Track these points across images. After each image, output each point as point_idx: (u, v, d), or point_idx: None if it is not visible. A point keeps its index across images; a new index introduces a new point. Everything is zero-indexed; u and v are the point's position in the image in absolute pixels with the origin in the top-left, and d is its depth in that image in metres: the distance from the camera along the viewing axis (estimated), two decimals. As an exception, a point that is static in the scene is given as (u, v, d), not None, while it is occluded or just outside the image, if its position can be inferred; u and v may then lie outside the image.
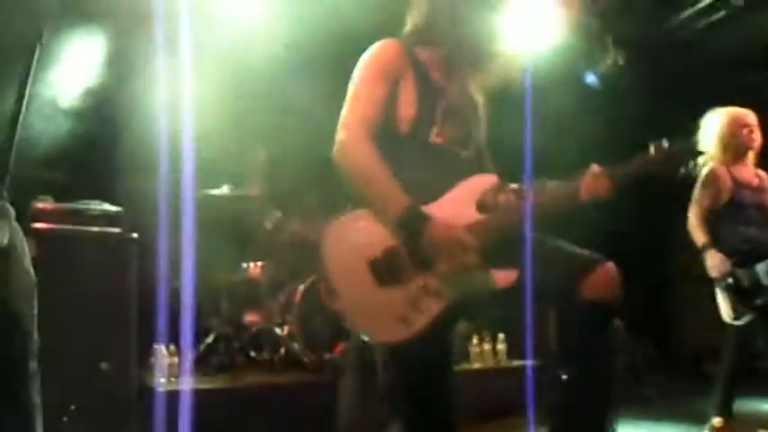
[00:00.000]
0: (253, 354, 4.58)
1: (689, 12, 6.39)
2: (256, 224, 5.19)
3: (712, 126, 3.72)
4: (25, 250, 1.38)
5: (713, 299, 6.82)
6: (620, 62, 6.37)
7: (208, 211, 4.86)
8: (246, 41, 5.26)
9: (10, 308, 1.29)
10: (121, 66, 5.02)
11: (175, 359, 4.12)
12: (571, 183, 1.83)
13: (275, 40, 5.46)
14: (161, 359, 4.04)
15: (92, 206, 3.80)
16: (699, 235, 3.72)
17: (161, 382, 3.90)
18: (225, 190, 4.72)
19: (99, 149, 5.09)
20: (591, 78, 6.59)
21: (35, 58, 1.34)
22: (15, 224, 1.37)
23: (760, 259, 3.50)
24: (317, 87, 6.58)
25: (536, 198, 1.81)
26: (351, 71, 2.01)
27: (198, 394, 3.77)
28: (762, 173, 3.82)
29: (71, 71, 4.74)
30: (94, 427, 3.39)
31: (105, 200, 3.88)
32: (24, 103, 1.35)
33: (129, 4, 4.52)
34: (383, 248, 1.74)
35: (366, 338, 1.75)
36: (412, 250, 1.74)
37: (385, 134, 1.90)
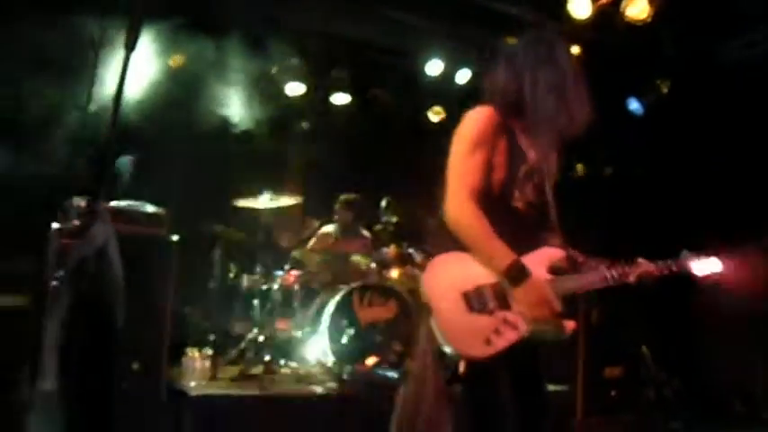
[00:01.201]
0: (283, 362, 4.57)
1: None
2: (293, 232, 5.22)
3: None
4: (117, 250, 1.41)
5: (746, 337, 6.73)
6: (665, 91, 6.31)
7: (246, 219, 4.92)
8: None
9: (105, 302, 1.32)
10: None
11: (207, 363, 4.14)
12: (622, 266, 2.28)
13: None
14: (193, 363, 4.06)
15: (135, 206, 3.84)
16: None
17: (191, 386, 3.90)
18: (265, 199, 4.70)
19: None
20: (634, 106, 6.53)
21: None
22: (109, 225, 1.40)
23: None
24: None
25: (593, 276, 2.28)
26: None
27: (227, 399, 3.78)
28: None
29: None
30: (122, 424, 3.40)
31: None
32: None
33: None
34: (475, 285, 2.13)
35: (451, 351, 2.08)
36: (498, 292, 2.12)
37: (481, 195, 2.20)
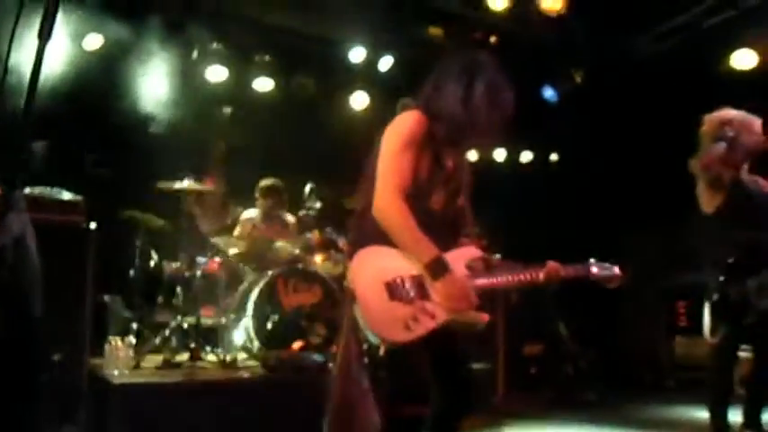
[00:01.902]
0: (208, 349, 4.56)
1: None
2: (215, 218, 5.18)
3: (720, 125, 3.55)
4: (33, 238, 1.40)
5: (654, 313, 7.15)
6: (578, 80, 6.59)
7: (167, 205, 4.85)
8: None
9: (23, 293, 1.31)
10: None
11: (130, 352, 4.09)
12: (534, 269, 2.40)
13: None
14: (115, 351, 4.00)
15: (51, 194, 3.74)
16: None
17: (115, 374, 3.85)
18: (186, 185, 4.65)
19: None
20: (549, 93, 6.79)
21: None
22: (25, 214, 1.39)
23: (752, 270, 3.41)
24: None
25: (506, 276, 2.41)
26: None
27: (152, 388, 3.76)
28: (757, 178, 3.67)
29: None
30: (44, 416, 3.33)
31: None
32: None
33: None
34: (397, 275, 2.26)
35: (374, 338, 2.21)
36: (419, 283, 2.25)
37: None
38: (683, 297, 6.72)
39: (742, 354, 3.61)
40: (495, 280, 2.40)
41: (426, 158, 2.38)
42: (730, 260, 3.44)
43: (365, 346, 2.31)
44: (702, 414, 3.57)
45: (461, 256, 2.38)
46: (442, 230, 2.39)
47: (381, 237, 2.29)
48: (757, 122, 3.57)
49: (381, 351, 2.21)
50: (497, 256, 2.62)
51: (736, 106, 3.67)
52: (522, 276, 2.41)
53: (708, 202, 3.58)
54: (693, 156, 3.64)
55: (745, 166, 3.62)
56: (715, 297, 3.42)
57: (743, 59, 5.94)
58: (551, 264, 2.41)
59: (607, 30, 6.71)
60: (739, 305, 3.39)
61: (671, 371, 6.79)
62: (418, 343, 2.19)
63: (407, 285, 2.23)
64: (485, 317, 2.32)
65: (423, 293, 2.24)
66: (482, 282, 2.36)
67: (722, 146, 3.48)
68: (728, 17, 6.03)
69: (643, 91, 6.59)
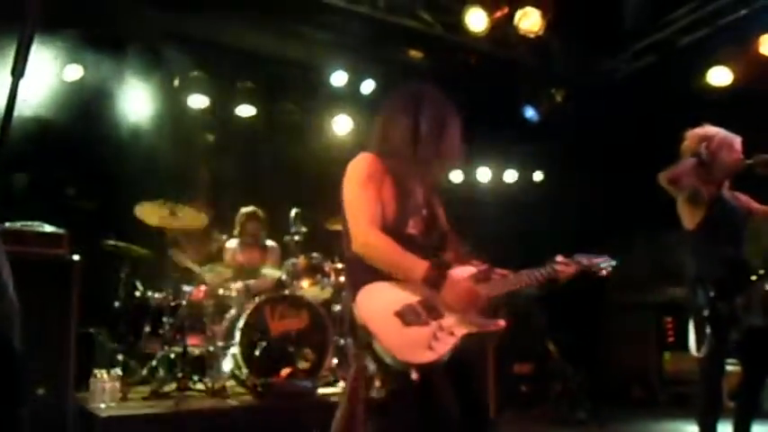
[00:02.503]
0: (196, 378, 4.51)
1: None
2: (200, 246, 5.16)
3: (701, 142, 3.56)
4: (10, 277, 1.38)
5: (641, 329, 7.17)
6: (559, 100, 6.67)
7: (151, 235, 4.82)
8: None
9: (0, 330, 1.29)
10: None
11: (117, 384, 4.03)
12: (537, 270, 2.44)
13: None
14: (101, 384, 3.94)
15: (33, 227, 3.71)
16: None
17: (101, 408, 3.79)
18: (170, 214, 4.63)
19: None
20: (530, 113, 6.87)
21: None
22: (1, 248, 1.37)
23: (738, 286, 3.44)
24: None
25: (511, 283, 2.44)
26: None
27: (140, 419, 3.71)
28: (738, 194, 3.71)
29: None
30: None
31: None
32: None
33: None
34: (404, 304, 2.26)
35: (402, 366, 2.17)
36: (427, 305, 2.26)
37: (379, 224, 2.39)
38: (671, 313, 6.76)
39: (730, 367, 3.62)
40: (500, 286, 2.40)
41: (390, 190, 2.42)
42: (719, 277, 3.46)
43: (389, 374, 2.23)
44: (692, 428, 3.57)
45: (461, 273, 2.38)
46: (426, 255, 2.38)
47: (373, 273, 2.30)
48: (737, 140, 3.62)
49: (414, 376, 2.15)
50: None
51: (713, 123, 3.73)
52: (530, 277, 2.42)
53: (689, 218, 3.62)
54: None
55: (726, 183, 3.67)
56: (705, 313, 3.42)
57: (718, 77, 6.05)
58: (561, 258, 2.47)
59: (585, 49, 6.83)
60: (728, 321, 3.42)
61: (660, 386, 6.81)
62: (444, 362, 2.19)
63: (418, 309, 2.25)
64: (501, 322, 2.32)
65: (435, 314, 2.26)
66: (487, 291, 2.35)
67: (691, 161, 3.52)
68: (703, 35, 6.15)
69: (622, 108, 6.69)
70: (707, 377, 3.52)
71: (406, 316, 2.23)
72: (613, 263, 2.61)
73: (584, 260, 2.55)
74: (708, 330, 3.42)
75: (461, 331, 2.24)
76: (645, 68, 6.77)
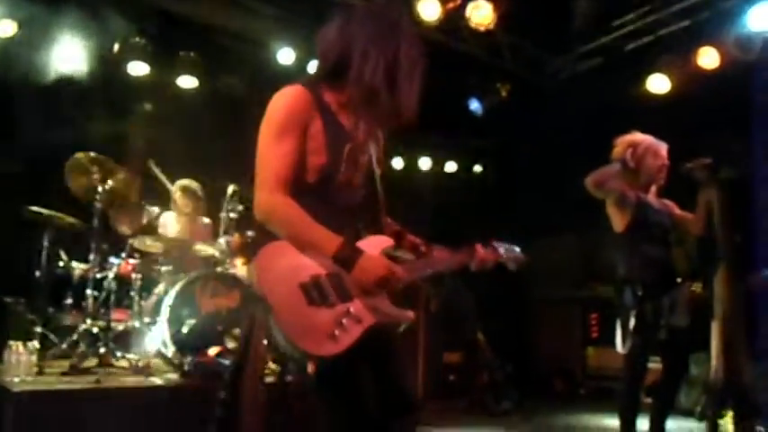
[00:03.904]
0: (119, 354, 4.36)
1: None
2: (130, 218, 4.97)
3: (633, 150, 3.68)
4: None
5: (567, 324, 7.37)
6: (504, 94, 6.74)
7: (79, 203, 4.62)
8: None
9: None
10: None
11: (33, 357, 3.85)
12: (459, 252, 2.31)
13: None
14: (16, 356, 3.76)
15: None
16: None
17: (15, 381, 3.61)
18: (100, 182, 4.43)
19: None
20: (475, 106, 6.92)
21: None
22: None
23: (664, 288, 3.56)
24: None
25: (430, 262, 2.27)
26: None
27: (58, 395, 3.55)
28: (664, 200, 3.84)
29: None
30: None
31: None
32: None
33: None
34: (311, 275, 1.95)
35: (299, 354, 1.91)
36: (336, 282, 1.97)
37: (295, 184, 2.04)
38: (596, 309, 6.98)
39: (651, 365, 3.75)
40: (417, 268, 2.20)
41: (319, 136, 2.04)
42: (646, 278, 3.58)
43: (286, 360, 2.11)
44: (612, 422, 3.69)
45: (373, 247, 2.08)
46: (350, 219, 2.13)
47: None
48: (663, 147, 3.79)
49: (310, 369, 1.93)
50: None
51: (649, 128, 3.85)
52: (454, 259, 2.29)
53: (617, 221, 3.74)
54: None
55: (654, 189, 3.81)
56: (633, 313, 3.53)
57: (657, 84, 6.23)
58: (479, 246, 2.35)
59: (533, 47, 6.92)
60: (654, 321, 3.55)
61: (583, 380, 7.03)
62: (351, 352, 1.90)
63: (325, 286, 1.94)
64: (410, 314, 2.06)
65: (344, 294, 1.96)
66: (407, 273, 2.09)
67: (615, 166, 3.64)
68: (646, 43, 6.33)
69: (563, 108, 6.83)
70: (630, 374, 3.64)
71: (312, 292, 1.92)
72: (522, 258, 2.55)
73: (500, 249, 2.45)
74: (632, 329, 3.54)
75: (370, 320, 1.96)
76: (588, 71, 6.92)
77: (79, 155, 4.43)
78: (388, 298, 2.04)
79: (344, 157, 2.09)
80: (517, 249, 2.54)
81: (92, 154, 4.45)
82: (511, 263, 2.49)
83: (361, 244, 2.06)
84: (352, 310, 1.95)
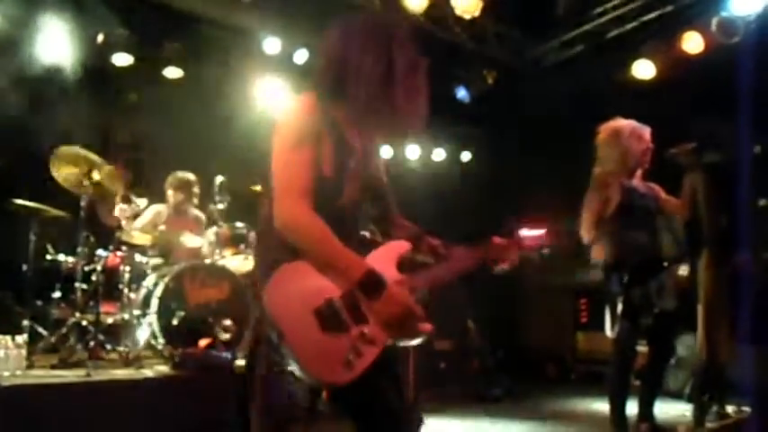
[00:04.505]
0: (109, 346, 4.35)
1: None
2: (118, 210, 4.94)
3: (614, 134, 3.74)
4: None
5: (557, 310, 7.43)
6: (490, 82, 6.75)
7: (67, 195, 4.59)
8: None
9: None
10: None
11: (22, 351, 3.84)
12: (477, 249, 2.21)
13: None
14: (5, 351, 3.74)
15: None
16: (594, 250, 3.73)
17: (4, 375, 3.60)
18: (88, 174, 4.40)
19: None
20: (462, 94, 6.92)
21: None
22: None
23: (652, 271, 3.60)
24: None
25: (451, 262, 2.18)
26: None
27: (47, 389, 3.54)
28: (650, 184, 3.87)
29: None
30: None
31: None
32: None
33: None
34: (325, 298, 1.87)
35: (313, 381, 1.86)
36: (350, 304, 1.89)
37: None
38: (585, 294, 7.02)
39: (640, 348, 3.79)
40: (436, 274, 2.13)
41: (328, 147, 1.97)
42: (633, 263, 3.61)
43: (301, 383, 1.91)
44: (603, 405, 3.72)
45: (390, 254, 2.04)
46: (355, 229, 2.09)
47: (293, 251, 1.90)
48: (647, 131, 3.81)
49: (325, 396, 1.90)
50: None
51: (636, 114, 3.87)
52: (472, 259, 2.17)
53: (603, 207, 3.74)
54: (596, 164, 3.81)
55: (639, 172, 3.83)
56: (620, 298, 3.56)
57: (642, 70, 6.26)
58: (497, 239, 2.24)
59: (518, 34, 6.92)
60: (641, 305, 3.58)
61: (573, 365, 7.09)
62: (361, 377, 1.84)
63: (339, 310, 1.87)
64: (427, 327, 1.96)
65: (358, 316, 1.88)
66: (422, 282, 2.06)
67: (591, 207, 3.67)
68: (630, 29, 6.35)
69: (551, 94, 6.84)
70: (619, 358, 3.68)
71: (326, 318, 1.84)
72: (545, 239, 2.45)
73: (527, 238, 2.34)
74: (620, 314, 3.58)
75: (384, 339, 1.89)
76: (573, 57, 6.93)
77: (64, 148, 4.40)
78: None
79: (351, 170, 2.04)
80: (541, 234, 2.42)
81: (77, 148, 4.42)
82: (538, 250, 2.39)
83: (380, 250, 2.04)
84: (367, 331, 1.88)
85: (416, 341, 1.98)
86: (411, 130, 2.09)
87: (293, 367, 1.83)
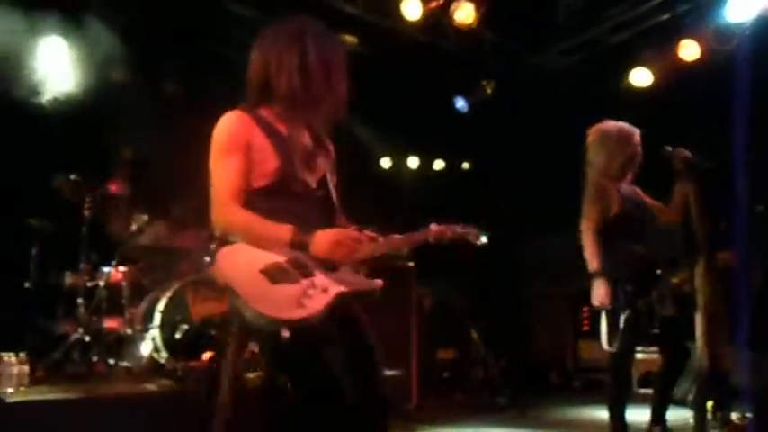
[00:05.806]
0: (112, 362, 4.37)
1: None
2: (120, 226, 4.98)
3: (604, 138, 3.72)
4: None
5: (558, 318, 7.42)
6: (489, 92, 6.78)
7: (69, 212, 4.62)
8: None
9: None
10: None
11: (25, 367, 3.85)
12: (415, 234, 2.41)
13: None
14: (8, 368, 3.76)
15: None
16: (592, 261, 3.63)
17: (8, 392, 3.61)
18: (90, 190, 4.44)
19: None
20: (461, 104, 6.95)
21: None
22: None
23: (650, 281, 3.59)
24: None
25: (388, 243, 2.35)
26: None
27: (51, 405, 3.55)
28: (636, 189, 3.83)
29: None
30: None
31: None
32: None
33: None
34: (268, 263, 2.07)
35: (270, 325, 1.98)
36: (297, 264, 2.08)
37: (250, 193, 2.20)
38: (587, 302, 7.00)
39: (639, 355, 3.79)
40: (375, 247, 2.30)
41: (264, 142, 2.21)
42: (633, 273, 3.59)
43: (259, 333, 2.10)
44: (606, 413, 3.72)
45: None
46: (313, 213, 2.25)
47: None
48: (636, 133, 3.77)
49: (285, 334, 1.96)
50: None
51: (634, 122, 3.87)
52: (407, 238, 2.39)
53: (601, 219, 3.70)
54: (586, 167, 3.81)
55: (629, 177, 3.82)
56: (627, 311, 3.52)
57: (640, 77, 6.29)
58: (434, 225, 2.43)
59: (517, 44, 6.96)
60: (647, 315, 3.57)
61: (576, 373, 7.08)
62: (318, 321, 1.99)
63: (286, 267, 2.06)
64: (378, 282, 2.20)
65: (306, 271, 2.08)
66: (365, 251, 2.23)
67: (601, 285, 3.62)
68: (628, 37, 6.38)
69: (550, 102, 6.87)
70: (617, 369, 3.67)
71: (274, 274, 2.03)
72: (484, 238, 2.60)
73: (457, 228, 2.52)
74: (622, 326, 3.53)
75: (336, 289, 2.06)
76: (572, 66, 6.97)
77: (64, 181, 4.44)
78: (352, 271, 2.19)
79: (297, 159, 2.24)
80: (474, 230, 2.58)
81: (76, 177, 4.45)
82: (471, 237, 2.55)
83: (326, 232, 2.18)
84: (316, 281, 2.06)
85: (368, 291, 2.18)
86: (334, 115, 2.31)
87: (250, 316, 1.97)
